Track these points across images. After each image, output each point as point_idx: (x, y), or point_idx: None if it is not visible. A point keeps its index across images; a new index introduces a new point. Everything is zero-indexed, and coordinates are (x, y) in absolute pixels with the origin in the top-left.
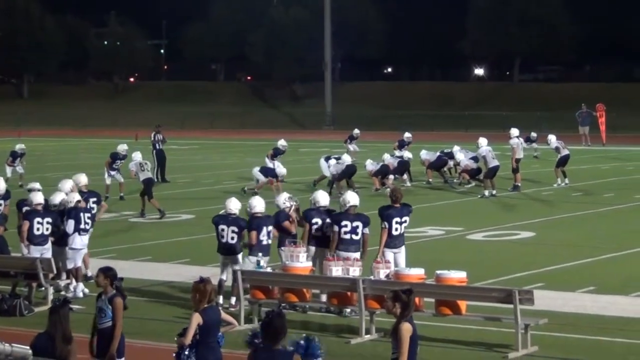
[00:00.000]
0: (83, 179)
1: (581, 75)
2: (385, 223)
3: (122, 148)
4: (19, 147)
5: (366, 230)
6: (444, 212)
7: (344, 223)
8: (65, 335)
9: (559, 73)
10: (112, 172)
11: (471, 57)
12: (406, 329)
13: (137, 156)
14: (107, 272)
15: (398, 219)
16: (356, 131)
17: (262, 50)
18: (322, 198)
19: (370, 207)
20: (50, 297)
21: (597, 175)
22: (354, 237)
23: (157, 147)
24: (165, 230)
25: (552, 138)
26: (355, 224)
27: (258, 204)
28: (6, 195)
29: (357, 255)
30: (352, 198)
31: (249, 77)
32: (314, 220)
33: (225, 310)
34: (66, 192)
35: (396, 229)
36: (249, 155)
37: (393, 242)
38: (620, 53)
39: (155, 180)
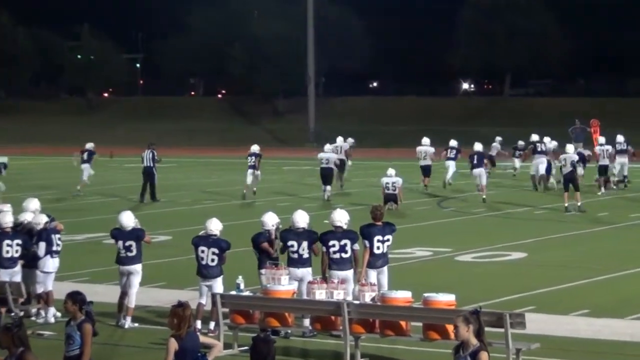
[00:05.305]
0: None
1: (574, 89)
2: (367, 242)
3: None
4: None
5: (356, 247)
6: (432, 232)
7: (331, 243)
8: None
9: (551, 87)
10: None
11: (460, 71)
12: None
13: None
14: (76, 297)
15: (380, 237)
16: None
17: (243, 64)
18: (300, 219)
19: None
20: None
21: (591, 194)
22: (343, 255)
23: (149, 164)
24: None
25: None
26: (343, 242)
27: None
28: None
29: (351, 272)
30: (338, 217)
31: (223, 91)
32: (289, 243)
33: (204, 335)
34: (32, 211)
35: (378, 247)
36: (228, 173)
37: (375, 261)
38: (614, 67)
39: (141, 201)
